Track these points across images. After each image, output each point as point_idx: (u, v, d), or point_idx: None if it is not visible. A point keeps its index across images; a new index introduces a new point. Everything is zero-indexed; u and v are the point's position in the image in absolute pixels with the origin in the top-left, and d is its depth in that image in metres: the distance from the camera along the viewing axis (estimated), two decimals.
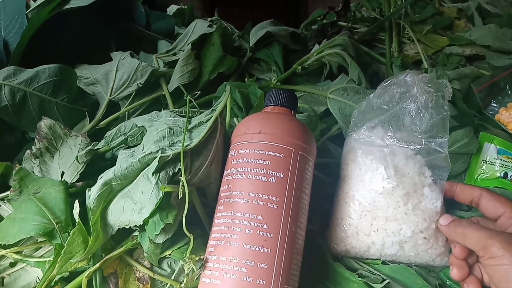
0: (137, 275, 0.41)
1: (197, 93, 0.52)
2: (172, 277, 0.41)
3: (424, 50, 0.70)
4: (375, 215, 0.44)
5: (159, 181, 0.38)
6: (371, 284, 0.42)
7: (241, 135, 0.42)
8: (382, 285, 0.41)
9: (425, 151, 0.45)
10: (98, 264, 0.39)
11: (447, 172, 0.45)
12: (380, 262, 0.46)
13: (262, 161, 0.39)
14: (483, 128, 0.56)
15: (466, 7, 0.77)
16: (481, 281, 0.41)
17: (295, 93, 0.56)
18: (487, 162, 0.53)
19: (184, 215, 0.37)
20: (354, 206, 0.45)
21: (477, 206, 0.45)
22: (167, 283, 0.41)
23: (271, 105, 0.44)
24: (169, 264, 0.42)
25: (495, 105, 0.60)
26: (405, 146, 0.45)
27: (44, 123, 0.46)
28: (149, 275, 0.41)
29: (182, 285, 0.38)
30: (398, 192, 0.43)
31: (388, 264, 0.46)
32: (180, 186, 0.38)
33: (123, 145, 0.46)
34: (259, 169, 0.39)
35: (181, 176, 0.39)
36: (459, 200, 0.46)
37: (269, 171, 0.39)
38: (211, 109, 0.47)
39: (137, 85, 0.56)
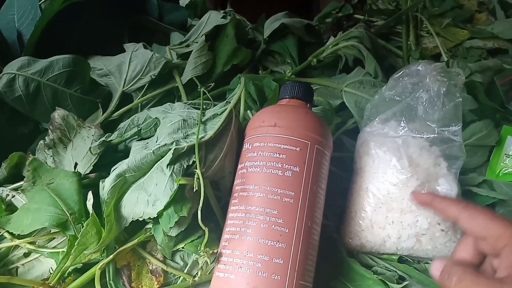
0: (150, 268, 0.41)
1: (210, 85, 0.51)
2: (185, 271, 0.41)
3: (443, 44, 0.69)
4: (390, 207, 0.43)
5: (173, 173, 0.38)
6: (386, 281, 0.41)
7: (256, 128, 0.41)
8: (401, 286, 0.40)
9: (439, 140, 0.44)
10: (111, 256, 0.38)
11: (462, 162, 0.44)
12: (397, 258, 0.45)
13: (278, 155, 0.38)
14: (506, 121, 0.55)
15: (487, 0, 0.75)
16: None
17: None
18: (510, 156, 0.52)
19: (199, 208, 0.36)
20: (368, 199, 0.44)
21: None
22: (179, 276, 0.41)
23: (286, 98, 0.44)
24: (182, 257, 0.42)
25: None
26: (419, 136, 0.44)
27: (58, 114, 0.46)
28: (162, 268, 0.41)
29: (196, 278, 0.37)
30: (413, 182, 0.42)
31: (405, 259, 0.45)
32: (195, 179, 0.37)
33: (136, 136, 0.46)
34: (274, 162, 0.38)
35: (195, 169, 0.38)
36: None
37: (284, 164, 0.38)
38: (225, 101, 0.46)
39: (150, 76, 0.56)
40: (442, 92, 0.44)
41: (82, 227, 0.38)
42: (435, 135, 0.44)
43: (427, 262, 0.45)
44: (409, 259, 0.45)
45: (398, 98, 0.47)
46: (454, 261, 0.35)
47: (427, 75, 0.45)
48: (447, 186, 0.43)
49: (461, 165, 0.44)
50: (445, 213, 0.38)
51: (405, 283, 0.41)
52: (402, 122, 0.45)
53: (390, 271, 0.44)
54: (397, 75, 0.47)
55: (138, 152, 0.40)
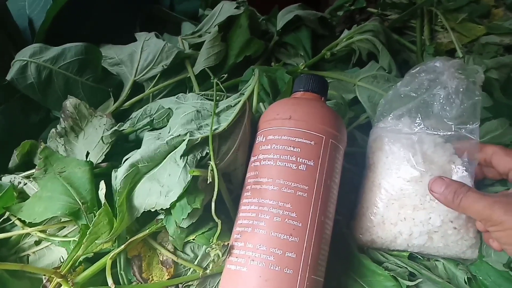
0: (161, 259, 0.41)
1: (223, 76, 0.51)
2: (195, 262, 0.41)
3: (459, 39, 0.67)
4: (403, 204, 0.42)
5: (187, 165, 0.37)
6: (397, 277, 0.41)
7: (270, 121, 0.41)
8: (413, 283, 0.40)
9: (455, 138, 0.43)
10: (123, 246, 0.38)
11: (477, 160, 0.43)
12: (408, 254, 0.44)
13: (292, 148, 0.38)
14: None
15: None
16: None
17: None
18: None
19: (213, 200, 0.36)
20: (381, 195, 0.44)
21: (491, 166, 0.44)
22: (190, 268, 0.41)
23: (301, 91, 0.43)
24: (192, 249, 0.42)
25: None
26: (434, 133, 0.44)
27: (70, 102, 0.46)
28: (172, 259, 0.40)
29: (207, 271, 0.37)
30: (427, 179, 0.42)
31: (415, 256, 0.45)
32: (209, 171, 0.37)
33: (148, 126, 0.45)
34: (288, 156, 0.38)
35: (209, 160, 0.38)
36: None
37: (299, 158, 0.37)
38: (239, 93, 0.46)
39: (162, 66, 0.55)
40: (460, 89, 0.43)
41: (94, 217, 0.37)
42: (452, 133, 0.43)
43: (437, 260, 0.45)
44: (419, 256, 0.45)
45: (413, 94, 0.46)
46: (460, 182, 0.39)
47: (445, 72, 0.44)
48: None
49: (476, 163, 0.43)
50: None
51: (418, 280, 0.41)
52: (417, 119, 0.44)
53: (400, 267, 0.43)
54: (413, 71, 0.47)
55: (151, 142, 0.40)
